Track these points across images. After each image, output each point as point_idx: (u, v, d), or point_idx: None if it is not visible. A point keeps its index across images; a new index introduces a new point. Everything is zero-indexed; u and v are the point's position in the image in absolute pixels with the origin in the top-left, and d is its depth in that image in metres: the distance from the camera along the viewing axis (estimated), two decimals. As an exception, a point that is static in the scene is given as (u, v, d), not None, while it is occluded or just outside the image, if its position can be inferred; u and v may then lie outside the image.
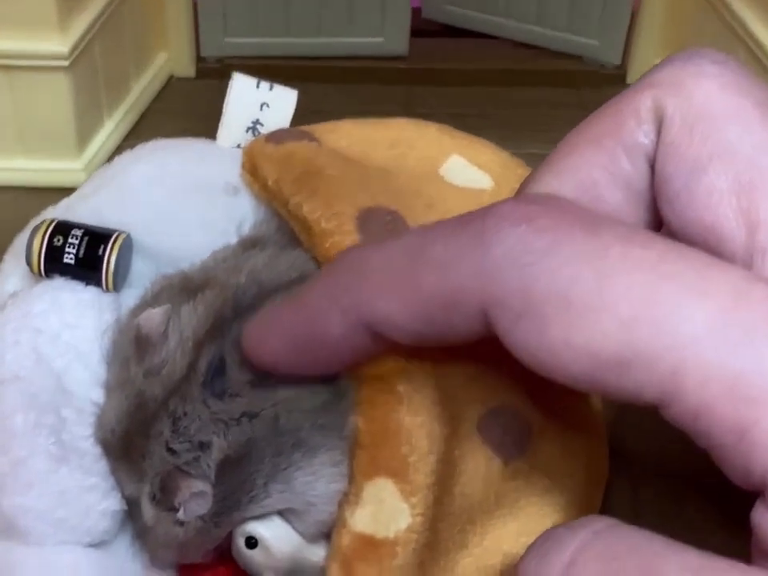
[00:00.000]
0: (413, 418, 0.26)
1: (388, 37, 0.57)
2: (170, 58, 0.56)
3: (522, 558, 0.20)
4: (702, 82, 0.24)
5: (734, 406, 0.18)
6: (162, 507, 0.27)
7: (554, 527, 0.21)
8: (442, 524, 0.27)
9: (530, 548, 0.20)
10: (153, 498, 0.28)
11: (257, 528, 0.28)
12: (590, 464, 0.30)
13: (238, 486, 0.27)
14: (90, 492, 0.29)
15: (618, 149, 0.25)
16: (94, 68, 0.48)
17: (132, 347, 0.29)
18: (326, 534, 0.28)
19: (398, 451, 0.26)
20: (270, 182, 0.32)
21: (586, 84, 0.56)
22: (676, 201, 0.23)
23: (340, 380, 0.27)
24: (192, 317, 0.28)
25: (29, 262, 0.34)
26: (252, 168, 0.33)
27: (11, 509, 0.28)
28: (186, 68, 0.57)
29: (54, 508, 0.29)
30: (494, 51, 0.59)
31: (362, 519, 0.26)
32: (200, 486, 0.27)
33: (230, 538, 0.28)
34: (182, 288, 0.30)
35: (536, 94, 0.57)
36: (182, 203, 0.34)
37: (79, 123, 0.47)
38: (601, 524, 0.20)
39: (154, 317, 0.28)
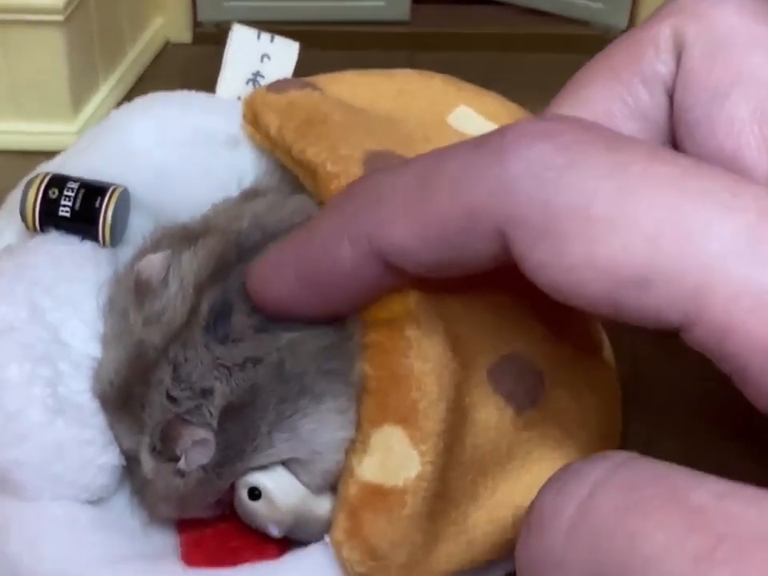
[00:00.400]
0: (422, 364, 0.25)
1: (389, 1, 0.56)
2: (166, 22, 0.55)
3: (539, 493, 0.20)
4: (723, 9, 0.23)
5: (764, 322, 0.18)
6: (163, 458, 0.27)
7: (571, 462, 0.20)
8: (453, 474, 0.26)
9: (547, 483, 0.20)
10: (153, 450, 0.27)
11: (260, 479, 0.27)
12: (603, 417, 0.30)
13: (241, 435, 0.26)
14: (87, 446, 0.28)
15: (636, 80, 0.24)
16: (90, 28, 0.47)
17: (131, 295, 0.28)
18: (332, 486, 0.27)
19: (408, 397, 0.25)
20: (272, 131, 0.31)
21: (591, 49, 0.55)
22: (696, 129, 0.23)
23: (346, 322, 0.26)
24: (193, 262, 0.28)
25: (23, 216, 0.33)
26: (253, 118, 0.33)
27: (5, 462, 0.28)
28: (182, 33, 0.56)
29: (49, 461, 0.28)
30: (497, 16, 0.58)
31: (370, 468, 0.26)
32: (202, 433, 0.26)
33: (232, 491, 0.28)
34: (183, 236, 0.29)
35: (541, 59, 0.56)
36: (182, 156, 0.34)
37: (74, 84, 0.46)
38: (621, 457, 0.19)
39: (153, 262, 0.28)
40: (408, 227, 0.22)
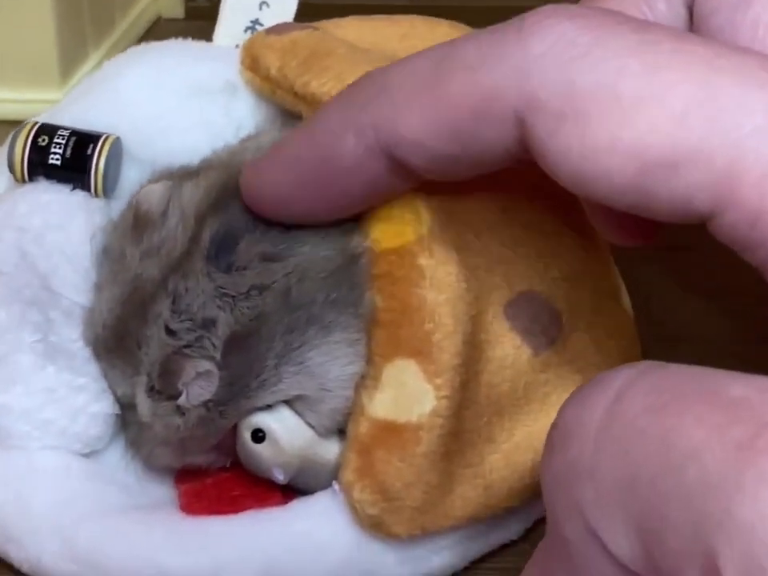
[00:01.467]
0: (436, 294, 0.25)
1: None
2: (158, -4, 0.55)
3: (560, 411, 0.19)
4: None
5: None
6: (162, 397, 0.26)
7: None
8: (468, 413, 0.25)
9: (567, 400, 0.19)
10: (150, 390, 0.26)
11: (264, 419, 0.26)
12: (621, 363, 0.29)
13: (246, 368, 0.25)
14: (79, 393, 0.27)
15: None
16: (79, -3, 0.47)
17: (129, 233, 0.27)
18: (340, 431, 0.27)
19: (421, 329, 0.25)
20: (272, 72, 0.30)
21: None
22: (718, 35, 0.22)
23: (351, 242, 0.26)
24: (194, 193, 0.27)
25: (11, 166, 0.32)
26: (252, 62, 0.32)
27: (-8, 408, 0.27)
28: (174, 8, 0.55)
29: (39, 407, 0.27)
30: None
31: (382, 404, 0.25)
32: (205, 365, 0.25)
33: (234, 436, 0.27)
34: (185, 173, 0.29)
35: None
36: (178, 103, 0.33)
37: (62, 51, 0.45)
38: (645, 364, 0.18)
39: (153, 192, 0.27)
40: (419, 115, 0.21)
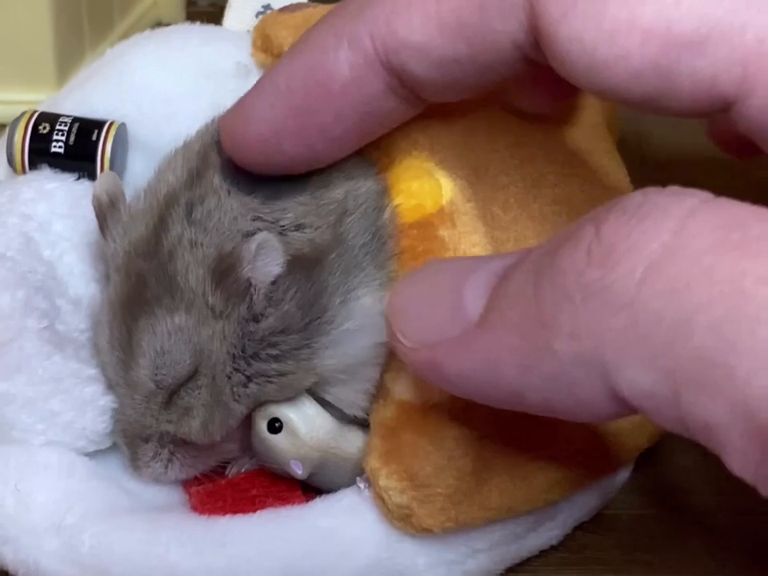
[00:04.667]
0: None
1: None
2: (157, 1, 0.55)
3: (600, 220, 0.18)
4: None
5: None
6: (230, 306, 0.25)
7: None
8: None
9: (610, 211, 0.18)
10: (212, 310, 0.26)
11: (281, 408, 0.26)
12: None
13: (313, 294, 0.25)
14: (87, 384, 0.28)
15: None
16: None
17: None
18: (361, 424, 0.27)
19: None
20: (285, 49, 0.31)
21: None
22: None
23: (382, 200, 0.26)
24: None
25: (10, 157, 0.33)
26: (265, 43, 0.32)
27: (-7, 396, 0.27)
28: (174, 13, 0.56)
29: (45, 397, 0.27)
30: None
31: (408, 386, 0.25)
32: (262, 235, 0.25)
33: (249, 428, 0.27)
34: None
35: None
36: (187, 87, 0.33)
37: (59, 53, 0.46)
38: (705, 194, 0.18)
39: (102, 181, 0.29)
40: (420, 13, 0.21)
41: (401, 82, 0.23)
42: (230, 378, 0.26)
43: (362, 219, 0.26)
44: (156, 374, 0.26)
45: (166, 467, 0.28)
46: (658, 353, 0.17)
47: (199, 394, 0.26)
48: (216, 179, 0.27)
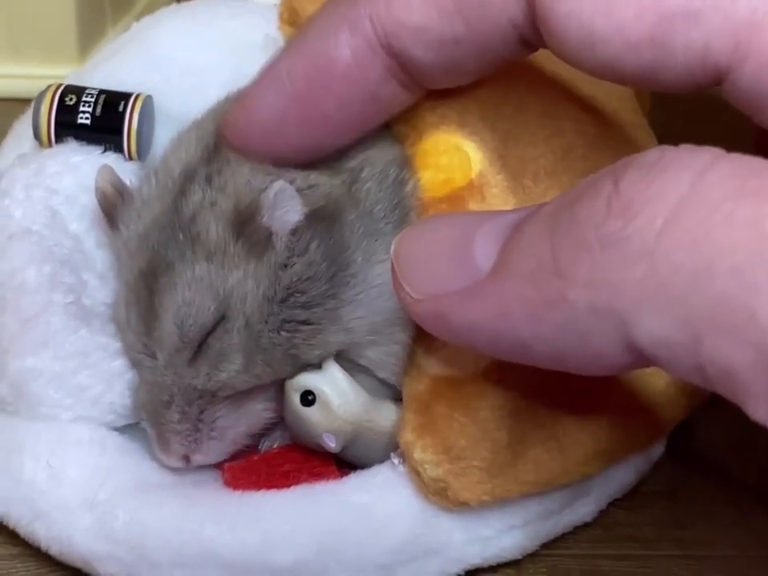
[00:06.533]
0: None
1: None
2: (179, -27, 0.55)
3: (619, 174, 0.18)
4: None
5: None
6: (252, 255, 0.26)
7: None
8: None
9: (625, 166, 0.18)
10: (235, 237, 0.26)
11: (315, 380, 0.26)
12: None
13: (336, 247, 0.26)
14: (115, 357, 0.28)
15: None
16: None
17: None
18: (395, 398, 0.27)
19: None
20: None
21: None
22: None
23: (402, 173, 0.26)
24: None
25: (36, 129, 0.33)
26: (291, 16, 0.32)
27: (21, 372, 0.27)
28: (197, -15, 0.56)
29: (72, 372, 0.27)
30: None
31: (440, 360, 0.25)
32: (278, 184, 0.25)
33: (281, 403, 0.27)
34: None
35: None
36: (214, 60, 0.33)
37: (82, 27, 0.46)
38: (719, 150, 0.18)
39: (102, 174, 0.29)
40: None
41: (401, 65, 0.23)
42: (267, 321, 0.26)
43: (381, 187, 0.26)
44: (181, 326, 0.26)
45: (196, 428, 0.27)
46: (677, 300, 0.17)
47: (231, 338, 0.26)
48: (231, 154, 0.27)
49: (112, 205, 0.28)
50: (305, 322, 0.26)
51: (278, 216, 0.26)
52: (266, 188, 0.26)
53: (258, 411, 0.28)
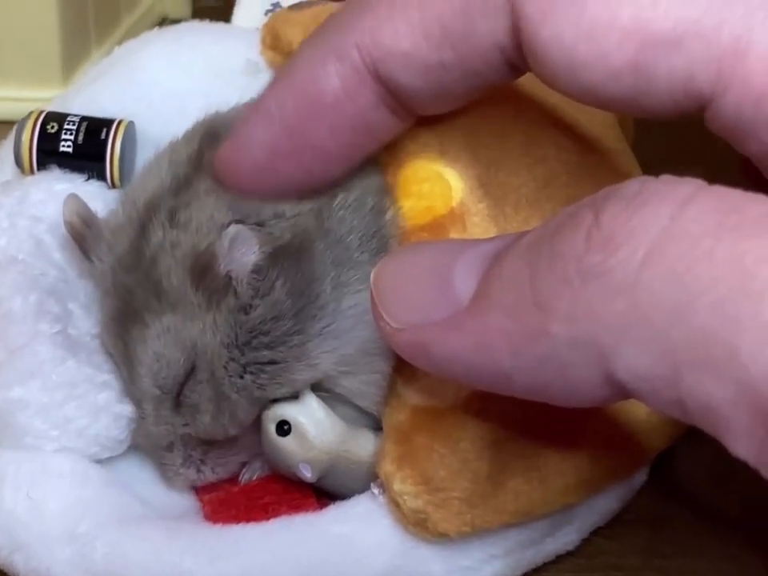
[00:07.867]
0: None
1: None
2: (163, -5, 0.56)
3: (600, 206, 0.18)
4: None
5: None
6: (213, 303, 0.26)
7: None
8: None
9: (608, 197, 0.18)
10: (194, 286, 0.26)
11: (290, 410, 0.27)
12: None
13: (303, 282, 0.26)
14: (101, 389, 0.28)
15: None
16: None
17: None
18: (373, 427, 0.27)
19: None
20: (295, 47, 0.31)
21: None
22: None
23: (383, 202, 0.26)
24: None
25: (17, 157, 0.33)
26: (273, 40, 0.33)
27: (7, 402, 0.27)
28: (180, 8, 0.56)
29: (59, 403, 0.27)
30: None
31: (420, 390, 0.25)
32: (235, 228, 0.25)
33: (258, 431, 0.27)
34: None
35: None
36: (197, 84, 0.34)
37: (66, 49, 0.47)
38: (699, 182, 0.18)
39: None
40: (404, 21, 0.22)
41: (389, 92, 0.23)
42: (226, 368, 0.26)
43: (356, 215, 0.27)
44: (156, 379, 0.27)
45: (198, 470, 0.28)
46: (658, 334, 0.17)
47: (202, 389, 0.27)
48: (201, 184, 0.27)
49: (81, 236, 0.29)
50: (270, 362, 0.26)
51: (235, 259, 0.26)
52: (224, 232, 0.26)
53: (256, 442, 0.28)
